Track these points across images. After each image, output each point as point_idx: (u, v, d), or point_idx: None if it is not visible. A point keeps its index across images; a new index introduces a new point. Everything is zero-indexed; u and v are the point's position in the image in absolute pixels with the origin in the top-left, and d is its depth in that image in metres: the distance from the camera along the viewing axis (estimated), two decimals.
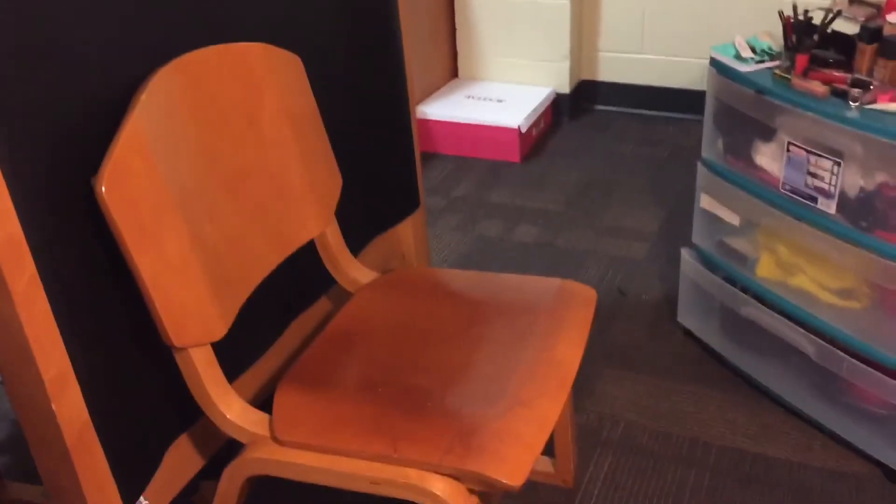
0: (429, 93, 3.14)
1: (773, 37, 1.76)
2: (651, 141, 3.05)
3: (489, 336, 1.40)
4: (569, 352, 1.33)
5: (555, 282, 1.50)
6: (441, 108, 3.05)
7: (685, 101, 3.12)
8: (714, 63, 1.74)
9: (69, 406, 1.10)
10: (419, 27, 2.97)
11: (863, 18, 1.73)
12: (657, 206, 2.66)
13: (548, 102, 3.12)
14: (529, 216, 2.65)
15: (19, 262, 1.01)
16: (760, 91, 1.63)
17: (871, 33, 1.58)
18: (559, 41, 3.07)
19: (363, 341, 1.43)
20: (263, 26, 1.45)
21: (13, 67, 1.00)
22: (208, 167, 1.27)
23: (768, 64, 1.69)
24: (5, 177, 0.99)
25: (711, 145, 1.82)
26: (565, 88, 3.16)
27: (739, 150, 1.76)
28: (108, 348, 1.18)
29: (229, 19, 1.36)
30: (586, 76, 3.26)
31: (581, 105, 3.27)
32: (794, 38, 1.64)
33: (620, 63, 3.17)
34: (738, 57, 1.71)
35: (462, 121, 2.98)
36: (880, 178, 1.50)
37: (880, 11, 1.75)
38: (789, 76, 1.61)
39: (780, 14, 1.66)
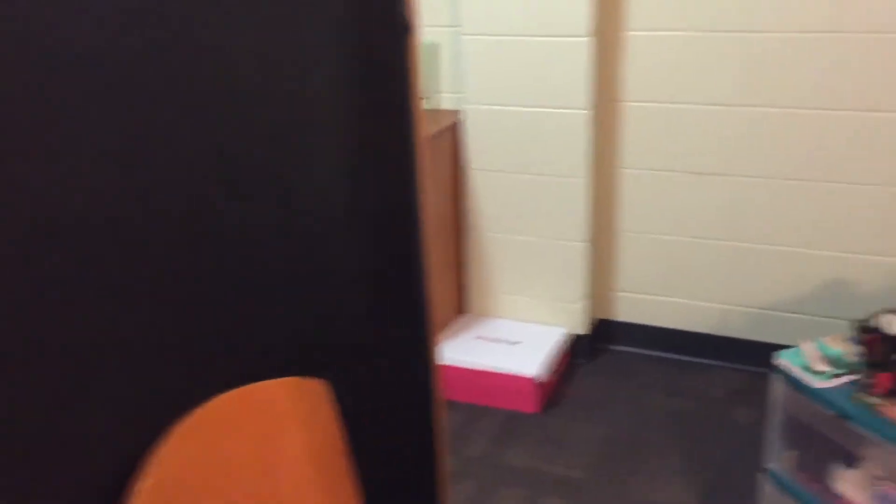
0: (434, 331, 2.96)
1: (842, 342, 1.61)
2: (675, 390, 2.85)
3: None
4: None
5: None
6: (450, 351, 2.86)
7: (706, 346, 2.96)
8: (782, 373, 1.57)
9: None
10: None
11: None
12: (691, 473, 2.43)
13: (564, 345, 2.95)
14: (552, 485, 2.41)
15: None
16: (844, 416, 1.45)
17: None
18: (576, 282, 2.94)
19: None
20: (290, 346, 1.26)
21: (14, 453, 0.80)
22: None
23: (844, 378, 1.52)
24: None
25: (777, 456, 1.62)
26: (582, 330, 3.00)
27: (814, 469, 1.55)
28: None
29: (249, 351, 1.18)
30: (603, 315, 3.11)
31: (598, 345, 3.11)
32: (876, 354, 1.48)
33: (639, 304, 3.04)
34: (808, 369, 1.55)
35: (474, 367, 2.79)
36: None
37: None
38: (875, 400, 1.44)
39: (859, 328, 1.51)
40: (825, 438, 1.50)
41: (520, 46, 2.73)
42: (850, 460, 1.47)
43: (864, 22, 2.43)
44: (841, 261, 2.69)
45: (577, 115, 2.73)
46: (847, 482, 1.48)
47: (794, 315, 2.80)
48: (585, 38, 2.63)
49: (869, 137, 2.54)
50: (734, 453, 2.50)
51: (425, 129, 2.60)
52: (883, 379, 1.46)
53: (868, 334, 1.50)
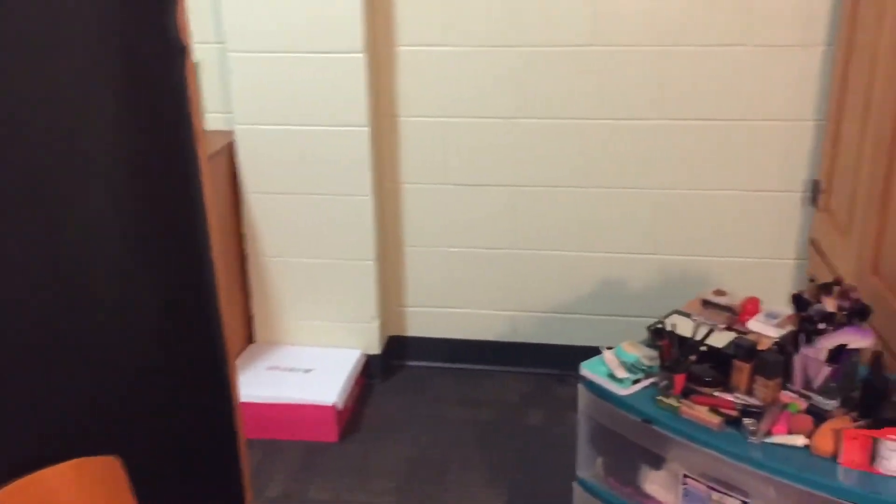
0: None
1: (637, 347, 1.67)
2: (472, 401, 2.88)
3: None
4: None
5: None
6: (242, 386, 2.69)
7: (496, 353, 3.02)
8: (588, 384, 1.60)
9: None
10: None
11: (723, 325, 1.69)
12: (496, 485, 2.45)
13: (359, 367, 2.88)
14: None
15: None
16: (648, 420, 1.50)
17: (746, 351, 1.52)
18: (366, 301, 2.89)
19: None
20: (73, 423, 1.10)
21: None
22: None
23: (644, 382, 1.58)
24: None
25: (588, 465, 1.66)
26: (376, 349, 2.95)
27: (623, 473, 1.60)
28: None
29: (26, 438, 1.01)
30: (394, 332, 3.08)
31: (391, 362, 3.07)
32: (669, 357, 1.54)
33: (429, 318, 3.04)
34: (612, 377, 1.59)
35: (269, 401, 2.65)
36: None
37: (735, 314, 1.72)
38: (675, 403, 1.50)
39: (655, 333, 1.57)
40: (631, 442, 1.55)
41: (290, 63, 2.63)
42: (657, 461, 1.54)
43: (620, 36, 2.58)
44: (613, 261, 2.84)
45: (356, 132, 2.68)
46: (655, 483, 1.55)
47: (577, 315, 2.93)
48: (359, 55, 2.59)
49: (633, 144, 2.70)
50: (534, 456, 2.56)
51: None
52: (678, 380, 1.53)
53: (661, 338, 1.57)
